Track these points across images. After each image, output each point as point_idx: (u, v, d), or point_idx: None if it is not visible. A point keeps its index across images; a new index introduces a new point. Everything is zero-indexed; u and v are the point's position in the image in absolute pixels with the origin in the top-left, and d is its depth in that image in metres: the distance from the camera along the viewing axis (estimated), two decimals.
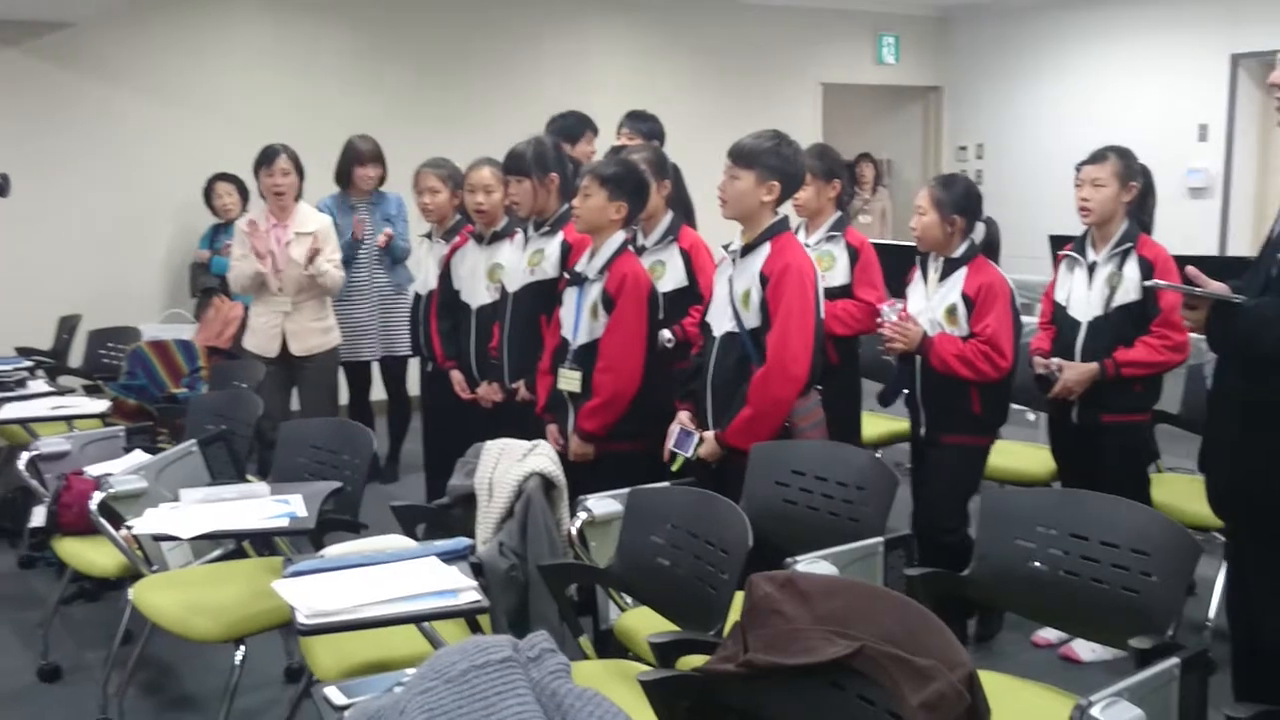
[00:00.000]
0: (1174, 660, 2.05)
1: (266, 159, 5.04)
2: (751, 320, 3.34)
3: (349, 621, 2.20)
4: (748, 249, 3.40)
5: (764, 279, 3.30)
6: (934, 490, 3.74)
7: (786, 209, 3.53)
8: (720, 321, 3.44)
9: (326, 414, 4.97)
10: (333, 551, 2.54)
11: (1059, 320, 3.88)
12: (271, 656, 3.61)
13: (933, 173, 10.02)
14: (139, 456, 3.71)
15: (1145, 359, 3.70)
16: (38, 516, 3.70)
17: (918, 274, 3.86)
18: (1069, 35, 9.12)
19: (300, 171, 5.09)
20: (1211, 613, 3.74)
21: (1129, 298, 3.70)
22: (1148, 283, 3.54)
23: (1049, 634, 3.78)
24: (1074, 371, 3.74)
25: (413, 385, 5.75)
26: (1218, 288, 2.60)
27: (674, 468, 3.48)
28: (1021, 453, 4.33)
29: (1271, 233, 2.72)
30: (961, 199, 3.69)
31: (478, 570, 2.67)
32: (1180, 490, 3.84)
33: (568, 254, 3.99)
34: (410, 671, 1.84)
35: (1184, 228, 7.75)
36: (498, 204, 4.31)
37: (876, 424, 4.79)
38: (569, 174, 4.12)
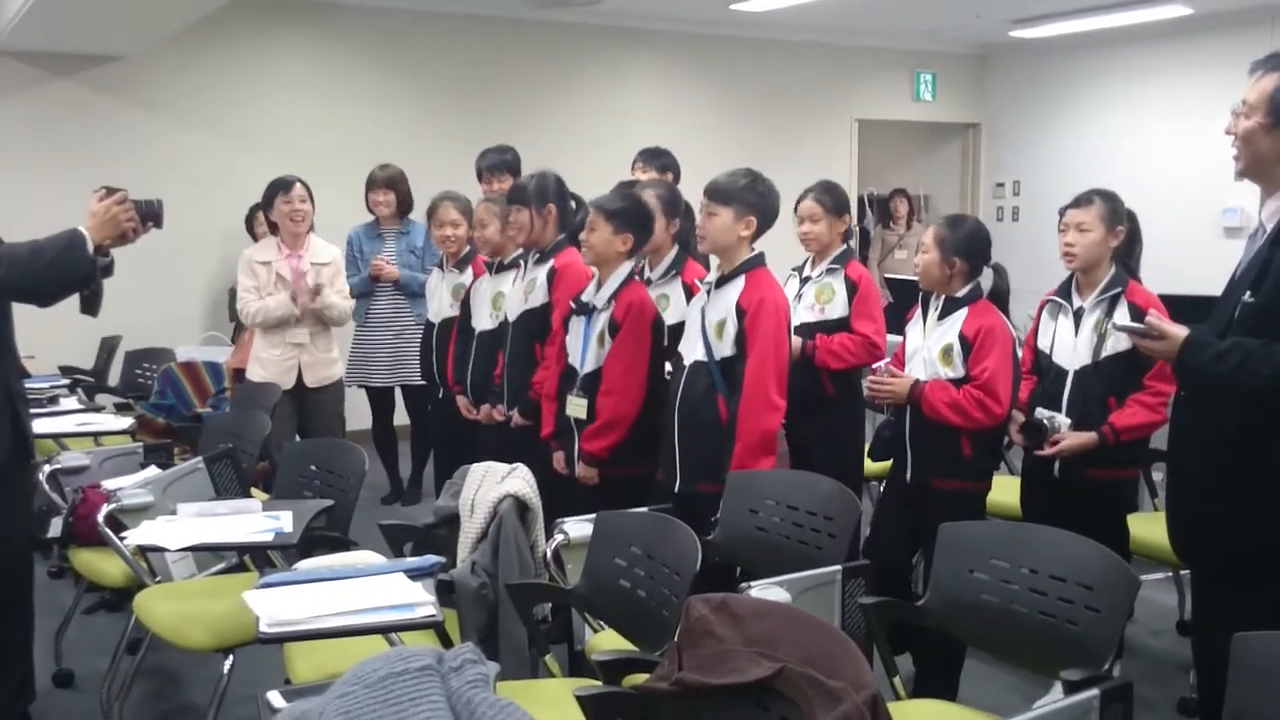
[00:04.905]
0: (1094, 691, 2.09)
1: (283, 187, 5.00)
2: (724, 350, 3.43)
3: (306, 631, 2.30)
4: (722, 281, 3.50)
5: (741, 311, 3.40)
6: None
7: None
8: (691, 350, 3.54)
9: None
10: (305, 565, 2.65)
11: (1043, 368, 3.74)
12: (274, 668, 3.72)
13: (971, 209, 10.04)
14: (152, 472, 3.86)
15: (1142, 421, 3.54)
16: (54, 528, 3.84)
17: (919, 311, 3.73)
18: (1106, 73, 9.12)
19: (312, 201, 5.09)
20: None
21: (1120, 346, 3.50)
22: (1114, 324, 3.43)
23: None
24: (1074, 441, 3.56)
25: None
26: (1175, 330, 2.65)
27: None
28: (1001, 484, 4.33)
29: (1235, 273, 2.77)
30: (965, 241, 3.54)
31: (447, 587, 2.77)
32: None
33: (553, 278, 4.12)
34: None
35: (1220, 267, 7.69)
36: (492, 237, 4.53)
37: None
38: (569, 207, 4.25)
